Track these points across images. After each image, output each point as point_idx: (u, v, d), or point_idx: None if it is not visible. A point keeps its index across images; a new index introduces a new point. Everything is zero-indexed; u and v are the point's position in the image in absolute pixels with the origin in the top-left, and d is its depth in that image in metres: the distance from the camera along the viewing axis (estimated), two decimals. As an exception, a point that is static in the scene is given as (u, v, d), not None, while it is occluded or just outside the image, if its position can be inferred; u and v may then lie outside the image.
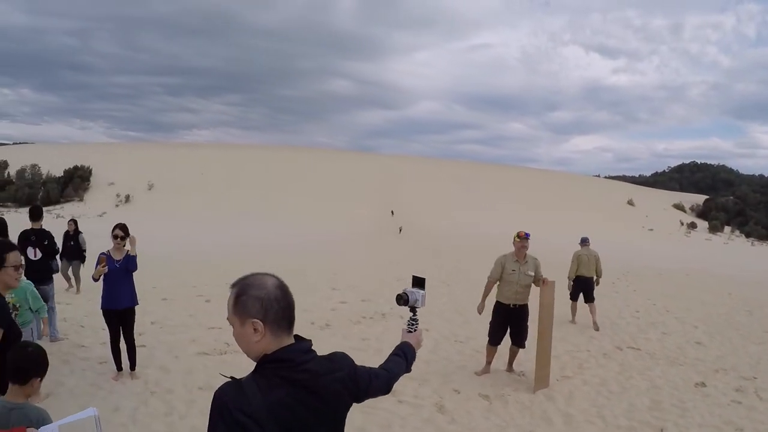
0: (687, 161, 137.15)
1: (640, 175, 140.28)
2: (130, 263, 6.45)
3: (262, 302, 1.77)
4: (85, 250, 11.45)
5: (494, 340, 7.45)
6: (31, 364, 2.84)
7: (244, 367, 2.03)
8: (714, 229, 55.99)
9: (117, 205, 48.56)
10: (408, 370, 2.51)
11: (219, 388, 1.71)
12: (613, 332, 10.32)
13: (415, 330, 2.71)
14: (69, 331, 8.42)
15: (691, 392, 7.09)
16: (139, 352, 7.06)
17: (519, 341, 7.44)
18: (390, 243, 31.09)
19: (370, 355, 7.76)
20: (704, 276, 21.76)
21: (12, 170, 57.82)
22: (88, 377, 6.52)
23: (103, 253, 6.37)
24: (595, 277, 11.12)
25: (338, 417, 1.95)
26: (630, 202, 64.10)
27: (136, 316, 6.76)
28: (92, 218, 37.60)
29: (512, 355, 7.67)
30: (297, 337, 1.89)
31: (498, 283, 7.36)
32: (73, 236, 11.39)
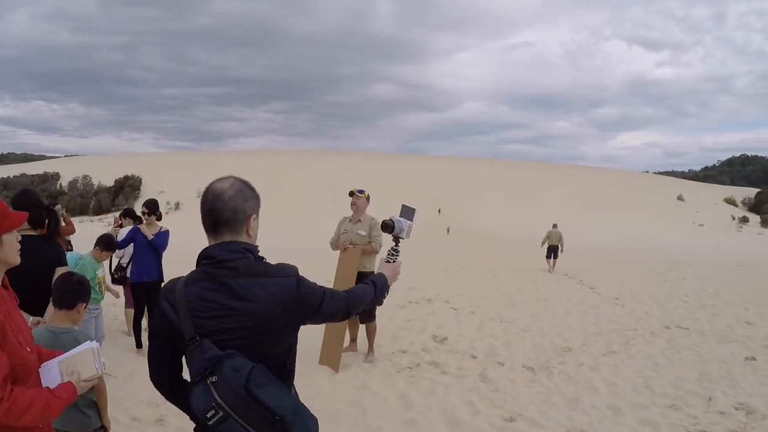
0: (737, 154, 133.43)
1: (689, 170, 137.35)
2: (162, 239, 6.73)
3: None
4: None
5: None
6: (78, 290, 2.96)
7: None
8: (767, 222, 54.38)
9: (167, 213, 49.49)
10: (378, 301, 2.27)
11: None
12: (662, 314, 10.22)
13: (393, 261, 2.45)
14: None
15: (741, 365, 6.96)
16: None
17: (362, 315, 6.47)
18: (438, 244, 31.05)
19: (414, 334, 7.87)
20: (758, 268, 21.23)
21: (64, 181, 59.78)
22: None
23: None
24: (559, 246, 17.92)
25: (263, 327, 1.83)
26: (680, 198, 62.67)
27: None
28: (143, 225, 38.58)
29: (367, 333, 6.74)
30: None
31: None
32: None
